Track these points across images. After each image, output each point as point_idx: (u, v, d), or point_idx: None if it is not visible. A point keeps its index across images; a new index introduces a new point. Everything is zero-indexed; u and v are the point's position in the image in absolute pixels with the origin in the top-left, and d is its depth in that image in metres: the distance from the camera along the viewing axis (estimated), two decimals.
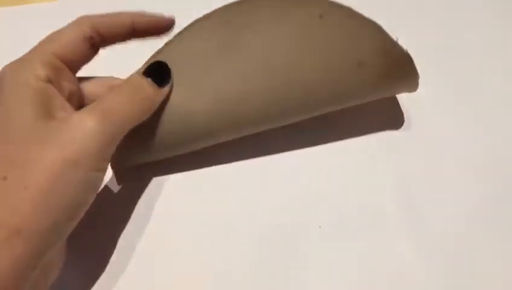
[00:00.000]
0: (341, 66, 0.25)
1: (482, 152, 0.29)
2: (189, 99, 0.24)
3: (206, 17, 0.26)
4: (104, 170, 0.20)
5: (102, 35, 0.22)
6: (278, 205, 0.27)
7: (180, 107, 0.24)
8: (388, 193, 0.27)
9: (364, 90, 0.26)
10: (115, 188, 0.27)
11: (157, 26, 0.23)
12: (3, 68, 0.20)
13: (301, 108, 0.26)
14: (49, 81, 0.19)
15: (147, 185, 0.27)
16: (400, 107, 0.31)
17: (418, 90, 0.27)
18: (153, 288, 0.24)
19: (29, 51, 0.21)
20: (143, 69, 0.22)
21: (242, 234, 0.26)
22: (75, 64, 0.22)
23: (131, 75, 0.22)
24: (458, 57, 0.34)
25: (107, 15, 0.22)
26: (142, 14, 0.23)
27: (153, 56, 0.25)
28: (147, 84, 0.22)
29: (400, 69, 0.26)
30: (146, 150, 0.25)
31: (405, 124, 0.30)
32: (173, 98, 0.24)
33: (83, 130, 0.18)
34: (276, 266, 0.25)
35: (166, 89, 0.23)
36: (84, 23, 0.21)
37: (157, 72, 0.22)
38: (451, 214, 0.27)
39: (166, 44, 0.25)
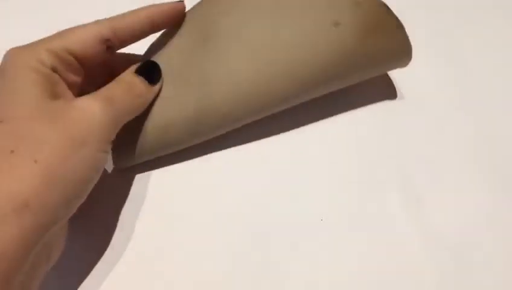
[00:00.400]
0: (316, 28, 0.24)
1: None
2: (178, 96, 0.24)
3: (188, 12, 0.26)
4: (108, 152, 0.21)
5: (121, 39, 0.22)
6: (275, 196, 0.27)
7: (170, 105, 0.24)
8: (387, 175, 0.27)
9: (348, 56, 0.25)
10: (114, 174, 0.27)
11: (173, 16, 0.24)
12: (8, 51, 0.20)
13: (290, 88, 0.25)
14: (53, 69, 0.20)
15: (146, 173, 0.27)
16: (399, 98, 0.31)
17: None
18: (151, 276, 0.24)
19: (42, 40, 0.21)
20: (134, 68, 0.23)
21: (240, 228, 0.25)
22: (87, 62, 0.22)
23: (124, 73, 0.23)
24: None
25: (126, 16, 0.22)
26: (158, 8, 0.23)
27: (143, 56, 0.26)
28: (139, 81, 0.23)
29: (381, 24, 0.25)
30: (142, 150, 0.25)
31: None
32: (163, 96, 0.24)
33: (89, 112, 0.19)
34: (277, 261, 0.24)
35: (157, 86, 0.24)
36: (103, 25, 0.22)
37: (147, 71, 0.23)
38: (457, 210, 0.26)
39: (153, 43, 0.26)
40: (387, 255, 0.25)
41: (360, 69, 0.26)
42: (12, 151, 0.17)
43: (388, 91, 0.31)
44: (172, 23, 0.25)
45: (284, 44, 0.24)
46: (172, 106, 0.24)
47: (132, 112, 0.22)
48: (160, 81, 0.24)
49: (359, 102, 0.30)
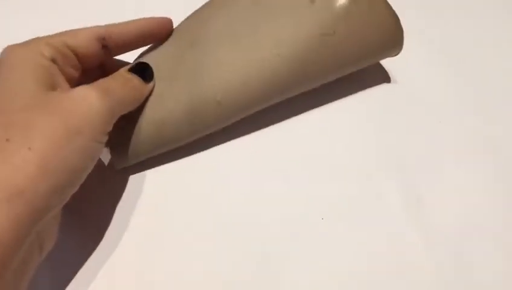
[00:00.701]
0: (295, 11, 0.25)
1: (484, 143, 0.29)
2: (170, 94, 0.25)
3: (175, 28, 0.27)
4: (103, 143, 0.21)
5: (115, 42, 0.23)
6: (272, 194, 0.26)
7: (163, 104, 0.25)
8: (387, 174, 0.27)
9: (330, 34, 0.25)
10: (109, 173, 0.27)
11: (161, 28, 0.26)
12: (5, 48, 0.21)
13: (279, 79, 0.25)
14: (53, 61, 0.21)
15: (140, 173, 0.27)
16: (399, 98, 0.31)
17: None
18: (144, 272, 0.24)
19: (42, 36, 0.21)
20: (128, 68, 0.24)
21: (237, 227, 0.25)
22: (85, 59, 0.23)
23: (118, 71, 0.24)
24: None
25: (120, 24, 0.24)
26: (148, 20, 0.25)
27: (136, 60, 0.27)
28: (134, 77, 0.24)
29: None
30: (140, 150, 0.26)
31: (405, 117, 0.30)
32: (155, 96, 0.25)
33: (86, 102, 0.20)
34: (276, 260, 0.24)
35: (150, 84, 0.25)
36: (98, 26, 0.23)
37: (140, 70, 0.24)
38: (457, 209, 0.26)
39: (142, 52, 0.27)
40: (387, 255, 0.25)
41: (348, 53, 0.26)
42: (7, 140, 0.17)
43: (386, 86, 0.31)
44: (160, 35, 0.26)
45: (269, 36, 0.25)
46: (165, 105, 0.25)
47: (128, 104, 0.23)
48: (153, 80, 0.25)
49: (356, 98, 0.30)
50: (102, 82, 0.22)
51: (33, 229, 0.17)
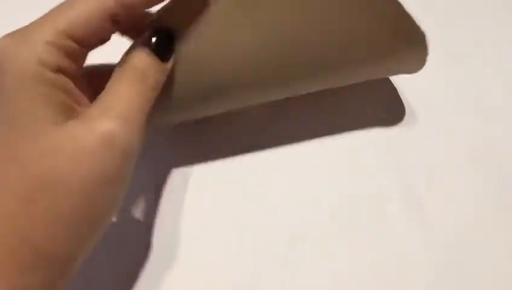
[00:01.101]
0: (354, 23, 0.23)
1: (484, 143, 0.29)
2: (209, 55, 0.22)
3: None
4: (128, 182, 0.18)
5: (130, 10, 0.18)
6: (282, 200, 0.26)
7: (199, 63, 0.22)
8: (391, 189, 0.27)
9: (372, 58, 0.24)
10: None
11: None
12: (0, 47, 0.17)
13: (315, 61, 0.24)
14: (59, 70, 0.17)
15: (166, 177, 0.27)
16: (400, 98, 0.31)
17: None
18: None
19: (34, 25, 0.17)
20: (144, 39, 0.19)
21: (248, 230, 0.25)
22: (88, 43, 0.18)
23: (132, 57, 0.19)
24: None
25: None
26: None
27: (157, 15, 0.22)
28: (151, 67, 0.19)
29: (408, 32, 0.24)
30: (168, 110, 0.23)
31: (406, 117, 0.30)
32: (192, 54, 0.21)
33: (112, 142, 0.16)
34: (283, 265, 0.24)
35: (170, 63, 0.20)
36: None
37: (162, 41, 0.19)
38: (456, 210, 0.26)
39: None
40: (387, 255, 0.25)
41: (376, 70, 0.26)
42: (32, 201, 0.15)
43: (385, 86, 0.31)
44: None
45: (312, 26, 0.23)
46: (202, 64, 0.22)
47: (148, 110, 0.19)
48: (173, 56, 0.20)
49: (356, 98, 0.30)
50: (118, 99, 0.17)
51: (62, 284, 0.17)
